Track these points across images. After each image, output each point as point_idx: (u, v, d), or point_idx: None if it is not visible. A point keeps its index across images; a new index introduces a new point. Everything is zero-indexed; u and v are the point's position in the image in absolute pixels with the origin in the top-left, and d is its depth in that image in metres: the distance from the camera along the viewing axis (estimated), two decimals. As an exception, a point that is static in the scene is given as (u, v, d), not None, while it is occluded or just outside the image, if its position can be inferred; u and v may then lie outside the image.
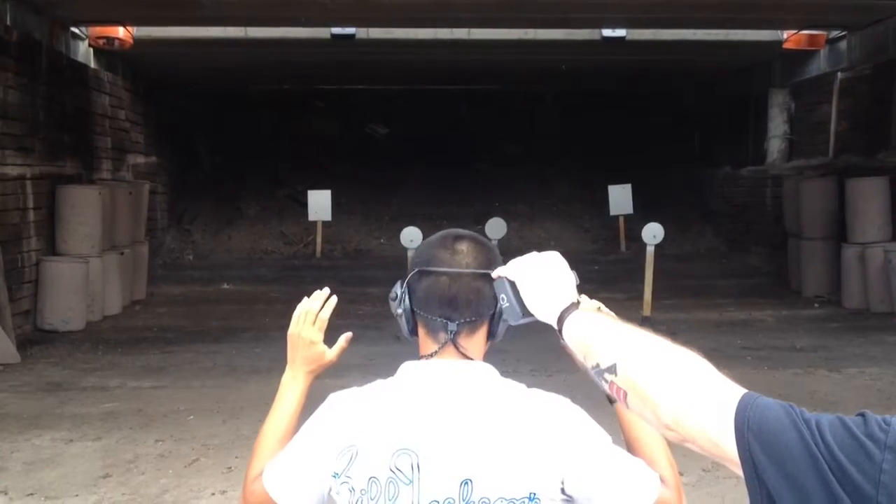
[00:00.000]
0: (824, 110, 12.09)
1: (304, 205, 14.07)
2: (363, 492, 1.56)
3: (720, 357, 7.79)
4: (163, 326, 9.63)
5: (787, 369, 7.37)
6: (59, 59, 9.94)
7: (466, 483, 1.52)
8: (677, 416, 1.21)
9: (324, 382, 6.56)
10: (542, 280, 1.51)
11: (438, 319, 1.63)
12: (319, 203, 13.80)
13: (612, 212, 14.28)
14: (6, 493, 4.62)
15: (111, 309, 10.03)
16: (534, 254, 1.57)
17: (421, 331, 1.67)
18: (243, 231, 14.86)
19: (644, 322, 8.97)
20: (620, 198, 14.17)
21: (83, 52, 10.76)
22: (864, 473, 1.06)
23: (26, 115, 9.03)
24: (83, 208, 9.61)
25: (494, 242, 10.08)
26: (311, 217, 13.87)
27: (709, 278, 12.39)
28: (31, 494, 4.60)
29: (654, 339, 1.30)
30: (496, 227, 10.13)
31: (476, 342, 1.66)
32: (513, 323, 1.56)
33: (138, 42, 10.78)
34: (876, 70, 10.63)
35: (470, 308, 1.63)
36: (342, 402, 1.66)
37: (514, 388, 1.62)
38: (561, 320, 1.45)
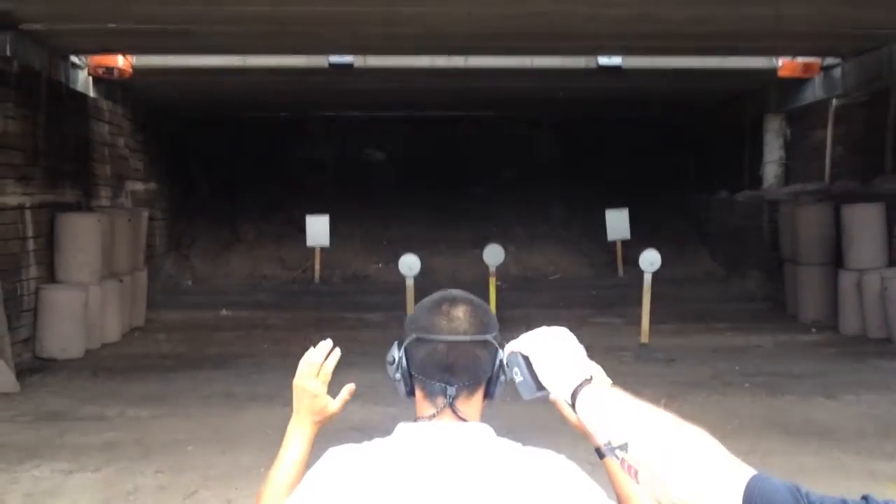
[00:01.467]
0: (820, 136, 12.18)
1: (303, 230, 14.12)
2: None
3: (718, 384, 7.83)
4: (161, 353, 9.64)
5: (784, 396, 7.40)
6: (59, 89, 10.01)
7: None
8: (686, 497, 1.24)
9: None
10: (555, 356, 1.54)
11: (437, 384, 1.65)
12: (317, 229, 13.85)
13: (610, 237, 14.34)
14: (6, 527, 4.63)
15: (110, 336, 10.04)
16: (544, 328, 1.59)
17: (419, 393, 1.69)
18: (242, 256, 14.89)
19: (642, 349, 9.00)
20: (618, 222, 14.24)
21: (82, 82, 10.84)
22: None
23: (26, 144, 9.08)
24: (82, 236, 9.64)
25: (493, 269, 10.14)
26: (310, 243, 13.92)
27: (706, 303, 12.42)
28: (31, 527, 4.61)
29: (664, 417, 1.33)
30: (494, 254, 10.16)
31: (473, 405, 1.67)
32: (527, 398, 1.58)
33: (137, 71, 10.86)
34: (871, 97, 10.72)
35: (468, 373, 1.65)
36: (339, 460, 1.66)
37: (511, 449, 1.63)
38: (575, 396, 1.48)
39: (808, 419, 6.62)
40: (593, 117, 16.25)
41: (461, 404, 1.66)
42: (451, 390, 1.64)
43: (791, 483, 1.17)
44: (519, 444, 1.66)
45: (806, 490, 1.15)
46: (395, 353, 1.70)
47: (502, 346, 1.68)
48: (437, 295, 1.74)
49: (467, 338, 1.65)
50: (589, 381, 1.49)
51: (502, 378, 1.67)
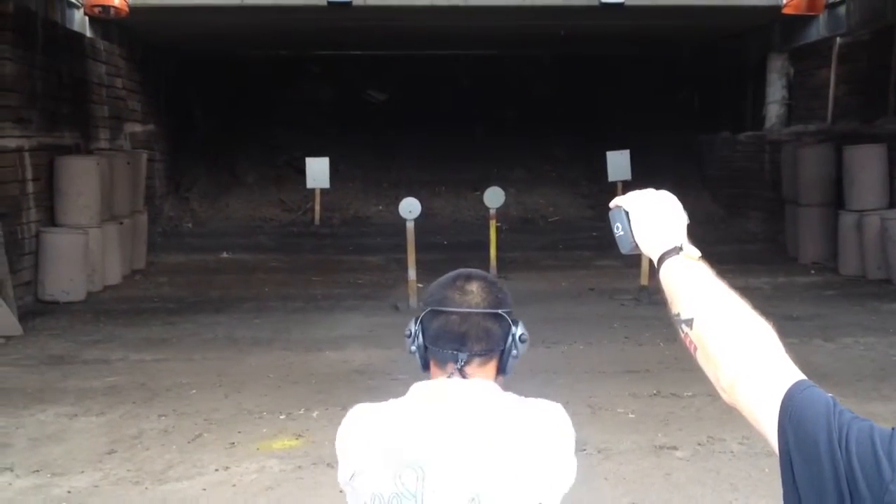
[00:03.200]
0: (823, 76, 12.06)
1: (302, 172, 14.06)
2: None
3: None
4: (163, 297, 9.69)
5: (782, 338, 7.40)
6: (55, 29, 9.89)
7: (474, 499, 1.57)
8: (733, 383, 1.26)
9: (324, 354, 6.63)
10: (654, 217, 1.53)
11: (449, 352, 1.70)
12: (317, 170, 13.78)
13: (611, 178, 14.21)
14: (12, 470, 4.69)
15: (112, 279, 10.08)
16: (651, 190, 1.58)
17: (432, 365, 1.75)
18: (241, 198, 14.86)
19: (642, 291, 9.04)
20: (619, 163, 14.12)
21: (79, 21, 10.69)
22: (871, 490, 1.07)
23: (24, 86, 9.01)
24: (81, 179, 9.62)
25: (493, 211, 10.13)
26: (310, 184, 13.85)
27: (706, 244, 12.14)
28: (37, 471, 4.67)
29: (735, 303, 1.34)
30: (494, 196, 10.13)
31: (484, 375, 1.72)
32: (624, 252, 1.58)
33: (134, 10, 10.70)
34: (875, 36, 10.59)
35: (479, 343, 1.70)
36: (359, 415, 1.73)
37: (514, 401, 1.69)
38: (661, 261, 1.48)
39: (805, 362, 6.59)
40: (595, 57, 16.06)
41: (471, 372, 1.71)
42: (462, 357, 1.69)
43: (831, 397, 1.18)
44: (521, 398, 1.71)
45: (840, 408, 1.16)
46: (412, 326, 1.76)
47: (515, 323, 1.74)
48: (453, 272, 1.80)
49: (479, 310, 1.71)
50: (678, 249, 1.48)
51: (514, 353, 1.72)
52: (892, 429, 1.12)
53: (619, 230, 1.56)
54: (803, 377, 1.22)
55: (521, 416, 1.65)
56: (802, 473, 1.14)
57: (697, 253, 1.49)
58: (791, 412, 1.17)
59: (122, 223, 10.46)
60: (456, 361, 1.69)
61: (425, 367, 1.76)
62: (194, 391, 6.10)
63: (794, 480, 1.15)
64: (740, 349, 1.27)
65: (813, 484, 1.12)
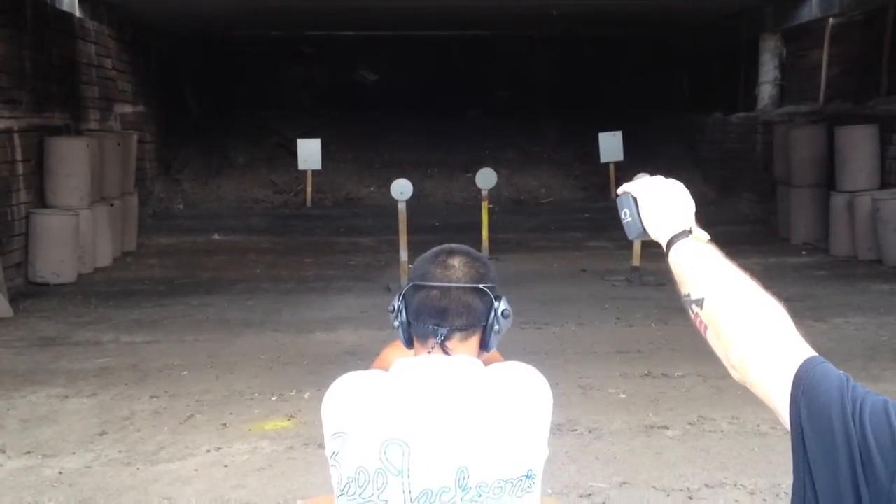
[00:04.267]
0: (816, 56, 12.05)
1: (294, 153, 14.02)
2: (350, 479, 1.61)
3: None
4: (154, 278, 9.66)
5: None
6: (45, 9, 9.81)
7: (462, 471, 1.58)
8: (744, 360, 1.27)
9: (315, 336, 6.61)
10: (662, 202, 1.55)
11: (430, 327, 1.70)
12: (309, 151, 13.74)
13: (603, 159, 14.20)
14: (4, 452, 4.68)
15: (102, 261, 10.05)
16: (659, 177, 1.60)
17: (415, 341, 1.74)
18: (233, 180, 14.82)
19: (633, 272, 9.05)
20: (611, 145, 14.10)
21: (68, 2, 10.62)
22: (886, 463, 1.08)
23: (13, 67, 8.94)
24: (71, 160, 9.57)
25: (485, 193, 10.11)
26: (301, 166, 13.82)
27: (697, 225, 12.44)
28: (29, 453, 4.66)
29: (745, 282, 1.36)
30: (486, 177, 10.11)
31: (466, 350, 1.71)
32: (631, 237, 1.60)
33: (123, -10, 10.65)
34: (867, 16, 10.58)
35: (460, 318, 1.69)
36: (346, 382, 1.74)
37: (494, 374, 1.69)
38: (670, 244, 1.50)
39: (796, 342, 6.68)
40: (588, 37, 16.02)
41: (452, 346, 1.70)
42: (442, 331, 1.69)
43: (844, 374, 1.18)
44: (498, 367, 1.73)
45: (854, 384, 1.16)
46: (396, 302, 1.75)
47: (498, 299, 1.73)
48: (437, 248, 1.80)
49: (460, 284, 1.70)
50: (687, 233, 1.50)
51: (496, 328, 1.71)
52: None
53: (626, 216, 1.58)
54: (815, 353, 1.23)
55: (502, 387, 1.65)
56: (815, 447, 1.14)
57: (707, 236, 1.51)
58: (804, 386, 1.17)
59: (112, 205, 10.42)
60: (436, 336, 1.69)
61: (409, 343, 1.75)
62: (185, 372, 6.09)
63: (806, 455, 1.15)
64: (751, 327, 1.28)
65: (826, 458, 1.13)
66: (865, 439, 1.09)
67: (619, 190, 1.61)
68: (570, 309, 7.84)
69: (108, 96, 11.90)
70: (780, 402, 1.21)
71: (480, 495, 1.57)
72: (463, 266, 1.73)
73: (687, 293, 1.40)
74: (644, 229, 1.56)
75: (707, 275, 1.39)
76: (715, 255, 1.44)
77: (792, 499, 1.21)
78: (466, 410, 1.61)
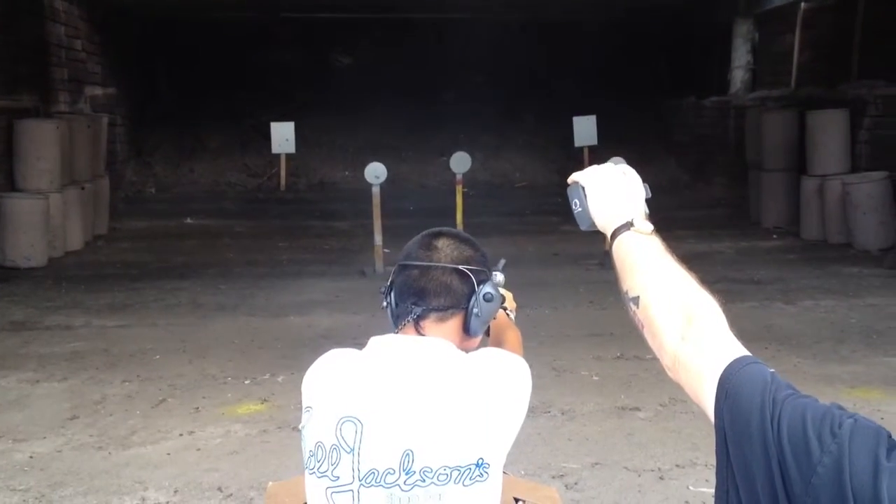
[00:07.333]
0: (787, 41, 12.12)
1: (268, 136, 13.92)
2: (311, 453, 1.61)
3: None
4: (126, 262, 9.59)
5: (744, 302, 7.52)
6: (12, -11, 9.67)
7: (407, 454, 1.55)
8: (675, 360, 1.25)
9: (289, 319, 6.60)
10: (607, 193, 1.50)
11: (408, 306, 1.70)
12: (283, 135, 13.64)
13: (577, 143, 14.22)
14: (-27, 437, 4.65)
15: (73, 245, 9.96)
16: (609, 165, 1.54)
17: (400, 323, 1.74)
18: (206, 163, 14.71)
19: (607, 256, 9.08)
20: (585, 129, 14.11)
21: (36, -19, 10.46)
22: (801, 471, 1.04)
23: (-21, 48, 8.83)
24: (41, 143, 9.46)
25: (459, 176, 10.10)
26: (275, 149, 13.73)
27: (671, 210, 12.48)
28: (-1, 437, 4.63)
29: (680, 280, 1.32)
30: (461, 161, 10.08)
31: (444, 333, 1.70)
32: (582, 228, 1.55)
33: (93, -30, 10.51)
34: (839, 1, 10.65)
35: (438, 299, 1.69)
36: (327, 357, 1.72)
37: (462, 358, 1.67)
38: (613, 237, 1.46)
39: (766, 325, 6.75)
40: (565, 22, 16.00)
41: (427, 327, 1.69)
42: (418, 310, 1.68)
43: (770, 372, 1.14)
44: (472, 353, 1.71)
45: (779, 385, 1.11)
46: (388, 282, 1.77)
47: (483, 283, 1.71)
48: (428, 230, 1.80)
49: (440, 264, 1.69)
50: (630, 225, 1.45)
51: (476, 311, 1.69)
52: (826, 406, 1.08)
53: (576, 206, 1.53)
54: (744, 353, 1.18)
55: (466, 373, 1.62)
56: (736, 453, 1.11)
57: (649, 227, 1.46)
58: (728, 390, 1.13)
59: (83, 188, 10.32)
60: (410, 314, 1.68)
61: (395, 324, 1.73)
62: (158, 357, 6.06)
63: (729, 460, 1.12)
64: (683, 326, 1.24)
65: (746, 464, 1.09)
66: (781, 446, 1.06)
67: (570, 179, 1.55)
68: (544, 292, 7.87)
69: (79, 78, 11.76)
70: (707, 405, 1.17)
71: (424, 480, 1.54)
72: (447, 247, 1.72)
73: (625, 290, 1.36)
74: (593, 220, 1.51)
75: (642, 271, 1.35)
76: (654, 249, 1.39)
77: (715, 502, 1.17)
78: (420, 392, 1.58)
